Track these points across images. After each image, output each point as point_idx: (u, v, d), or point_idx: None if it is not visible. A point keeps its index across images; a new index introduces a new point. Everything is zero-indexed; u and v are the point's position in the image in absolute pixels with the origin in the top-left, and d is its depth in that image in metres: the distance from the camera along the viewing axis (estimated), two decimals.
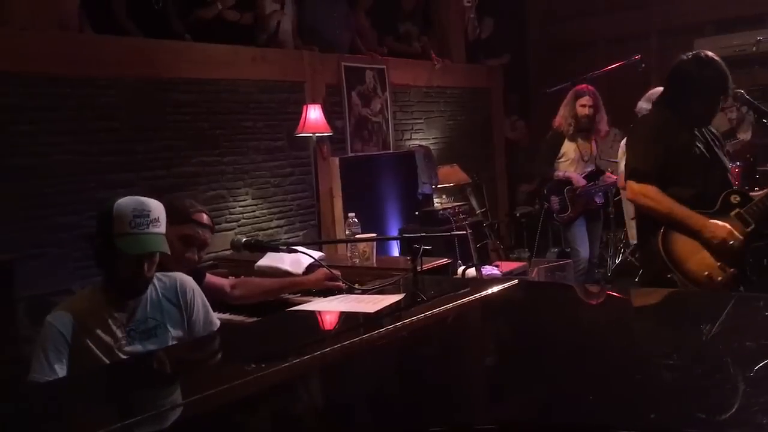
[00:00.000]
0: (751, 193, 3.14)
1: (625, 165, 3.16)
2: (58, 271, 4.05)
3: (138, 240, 2.20)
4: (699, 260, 2.90)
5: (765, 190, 3.12)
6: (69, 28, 4.41)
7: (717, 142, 3.14)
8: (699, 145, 3.01)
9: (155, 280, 2.36)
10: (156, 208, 2.28)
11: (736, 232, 2.89)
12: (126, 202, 2.23)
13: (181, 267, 2.63)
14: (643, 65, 5.20)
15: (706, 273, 2.88)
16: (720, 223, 2.91)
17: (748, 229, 2.93)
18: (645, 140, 3.05)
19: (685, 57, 3.05)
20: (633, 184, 3.00)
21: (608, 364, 1.70)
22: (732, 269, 2.89)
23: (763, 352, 1.58)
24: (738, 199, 2.99)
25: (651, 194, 2.95)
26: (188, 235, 2.73)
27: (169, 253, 2.32)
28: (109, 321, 2.25)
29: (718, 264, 2.89)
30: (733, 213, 2.96)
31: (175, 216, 2.67)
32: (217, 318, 2.58)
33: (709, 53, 3.03)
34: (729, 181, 3.08)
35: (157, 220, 2.26)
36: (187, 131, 4.86)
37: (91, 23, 4.64)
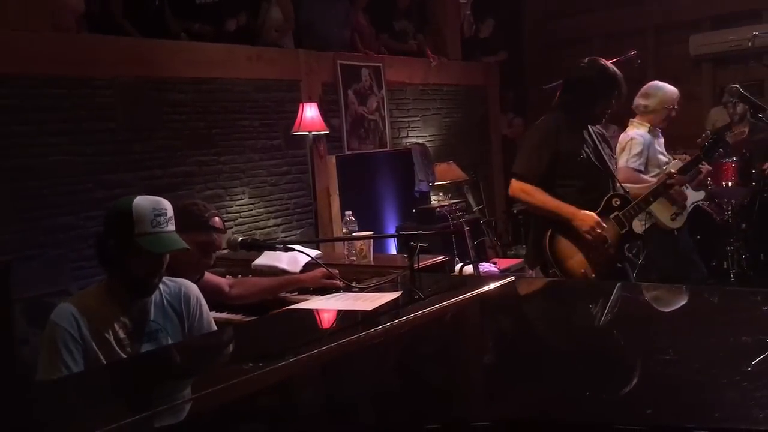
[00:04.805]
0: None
1: (512, 167, 3.41)
2: (55, 272, 4.05)
3: (161, 238, 2.21)
4: (578, 260, 3.24)
5: (642, 195, 3.40)
6: (64, 28, 4.40)
7: (604, 144, 3.41)
8: (587, 149, 3.28)
9: (161, 285, 2.34)
10: (169, 206, 2.27)
11: (602, 222, 3.17)
12: (144, 201, 2.21)
13: (195, 272, 2.63)
14: (640, 61, 5.20)
15: (582, 270, 3.23)
16: (589, 212, 3.17)
17: (623, 231, 3.27)
18: (531, 147, 3.31)
19: (583, 64, 3.37)
20: (513, 182, 3.30)
21: (605, 360, 1.71)
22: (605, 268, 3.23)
23: (760, 347, 1.59)
24: (618, 202, 3.29)
25: (527, 189, 3.24)
26: (205, 242, 2.73)
27: (189, 249, 2.32)
28: (114, 321, 2.24)
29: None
30: (612, 216, 3.27)
31: (191, 222, 2.66)
32: (213, 320, 2.58)
33: (602, 59, 3.36)
34: (611, 184, 3.35)
35: (171, 218, 2.26)
36: (184, 131, 4.86)
37: (86, 23, 4.64)
